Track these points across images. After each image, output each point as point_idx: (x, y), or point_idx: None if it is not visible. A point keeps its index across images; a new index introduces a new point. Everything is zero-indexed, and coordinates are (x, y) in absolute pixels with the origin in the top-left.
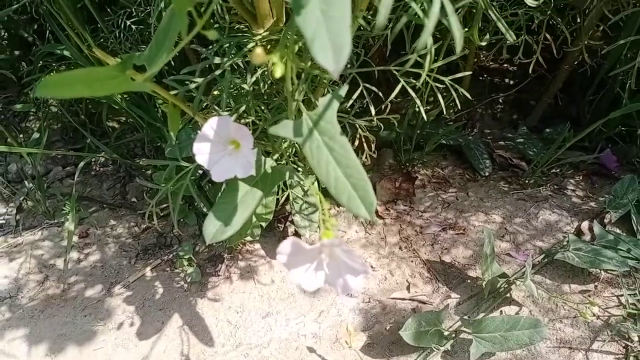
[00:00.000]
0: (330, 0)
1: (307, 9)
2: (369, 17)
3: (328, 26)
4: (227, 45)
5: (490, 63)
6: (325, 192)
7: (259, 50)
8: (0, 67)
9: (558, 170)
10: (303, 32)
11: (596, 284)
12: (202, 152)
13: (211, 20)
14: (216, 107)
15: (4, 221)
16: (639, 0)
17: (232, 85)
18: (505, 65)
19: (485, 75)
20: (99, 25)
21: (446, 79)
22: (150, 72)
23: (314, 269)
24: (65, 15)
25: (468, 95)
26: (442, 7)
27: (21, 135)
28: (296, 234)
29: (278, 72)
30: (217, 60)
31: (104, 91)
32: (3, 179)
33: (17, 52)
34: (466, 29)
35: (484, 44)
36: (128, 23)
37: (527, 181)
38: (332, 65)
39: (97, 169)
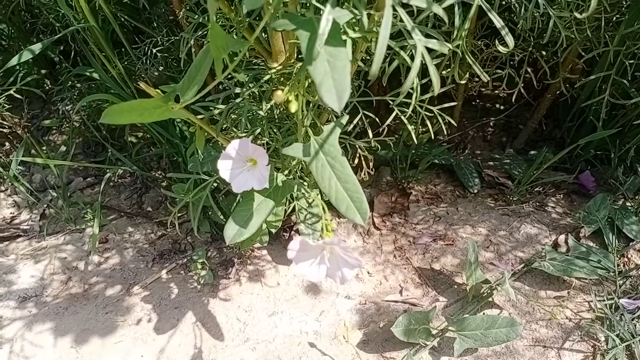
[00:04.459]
0: (335, 54)
1: (317, 60)
2: (368, 57)
3: (333, 74)
4: (246, 77)
5: (483, 89)
6: (327, 204)
7: (279, 92)
8: (28, 84)
9: (541, 188)
10: (313, 78)
11: (569, 290)
12: (225, 167)
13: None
14: (234, 129)
15: (28, 227)
16: (609, 40)
17: (249, 111)
18: (497, 91)
19: (478, 101)
20: (123, 49)
21: (434, 109)
22: (185, 101)
23: (318, 263)
24: (99, 42)
25: (453, 122)
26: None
27: (44, 148)
28: None
29: (293, 108)
30: (237, 90)
31: (152, 118)
32: (27, 187)
33: (43, 71)
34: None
35: (463, 81)
36: (154, 51)
37: (511, 198)
38: (336, 105)
39: (115, 180)
